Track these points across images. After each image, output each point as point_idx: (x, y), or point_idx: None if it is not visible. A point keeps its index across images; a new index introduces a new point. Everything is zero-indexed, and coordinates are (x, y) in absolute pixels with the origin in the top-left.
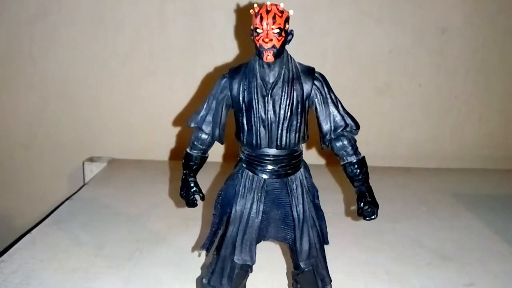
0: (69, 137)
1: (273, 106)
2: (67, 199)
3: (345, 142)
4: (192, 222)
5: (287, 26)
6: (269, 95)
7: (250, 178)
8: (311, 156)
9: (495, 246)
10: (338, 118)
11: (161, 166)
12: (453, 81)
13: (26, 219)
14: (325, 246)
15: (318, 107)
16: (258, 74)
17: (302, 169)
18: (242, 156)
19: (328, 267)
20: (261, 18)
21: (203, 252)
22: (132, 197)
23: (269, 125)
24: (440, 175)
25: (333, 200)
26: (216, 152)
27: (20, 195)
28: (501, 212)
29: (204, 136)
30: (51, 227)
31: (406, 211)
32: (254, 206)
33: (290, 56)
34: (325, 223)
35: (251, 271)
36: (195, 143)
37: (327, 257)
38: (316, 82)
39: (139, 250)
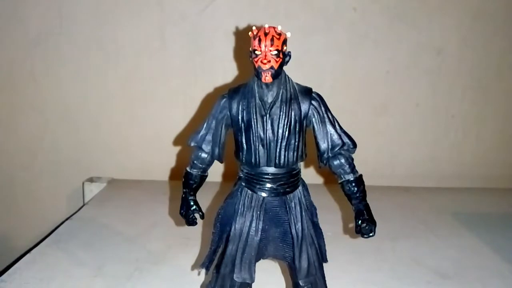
0: (69, 158)
1: (272, 126)
2: (67, 219)
3: (342, 160)
4: (192, 241)
5: (284, 47)
6: (268, 115)
7: (249, 196)
8: (309, 175)
9: (494, 265)
10: (335, 137)
11: (160, 186)
12: (450, 100)
13: (26, 239)
14: (324, 265)
15: (315, 126)
16: (257, 94)
17: (300, 187)
18: (241, 175)
19: (327, 286)
20: (260, 40)
21: (203, 271)
22: (132, 217)
23: (268, 144)
24: (438, 194)
25: (331, 219)
26: (216, 171)
27: (20, 215)
28: (500, 231)
29: (204, 155)
30: (51, 247)
31: (405, 230)
32: (253, 224)
33: (288, 77)
34: (324, 241)
35: None
36: (195, 162)
37: (326, 276)
38: (313, 102)
39: (139, 270)
